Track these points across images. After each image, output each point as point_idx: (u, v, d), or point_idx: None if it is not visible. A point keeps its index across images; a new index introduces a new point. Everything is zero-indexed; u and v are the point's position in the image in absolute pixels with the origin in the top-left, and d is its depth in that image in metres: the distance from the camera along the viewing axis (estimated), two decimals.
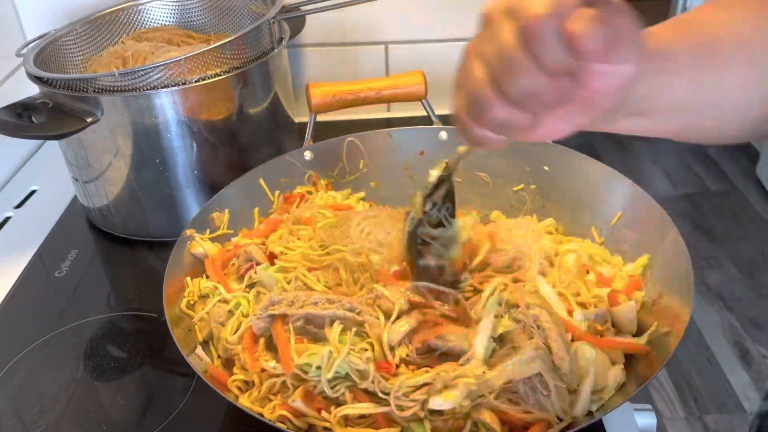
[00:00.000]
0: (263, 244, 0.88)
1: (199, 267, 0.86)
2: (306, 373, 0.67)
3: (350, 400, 0.65)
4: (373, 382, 0.65)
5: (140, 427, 0.76)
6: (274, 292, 0.75)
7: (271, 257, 0.83)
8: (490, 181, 1.03)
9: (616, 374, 0.69)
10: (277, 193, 0.99)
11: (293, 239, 0.86)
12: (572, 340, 0.71)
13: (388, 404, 0.65)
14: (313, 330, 0.71)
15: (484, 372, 0.64)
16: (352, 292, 0.76)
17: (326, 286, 0.78)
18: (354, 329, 0.70)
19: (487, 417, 0.63)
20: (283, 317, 0.71)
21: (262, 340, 0.72)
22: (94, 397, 0.81)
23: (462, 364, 0.66)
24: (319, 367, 0.66)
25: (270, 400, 0.68)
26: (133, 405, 0.79)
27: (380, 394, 0.65)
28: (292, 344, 0.68)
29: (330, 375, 0.65)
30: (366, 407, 0.65)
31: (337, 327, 0.69)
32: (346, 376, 0.67)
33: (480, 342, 0.67)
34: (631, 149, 3.42)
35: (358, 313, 0.70)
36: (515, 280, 0.76)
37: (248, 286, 0.81)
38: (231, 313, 0.78)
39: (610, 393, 0.68)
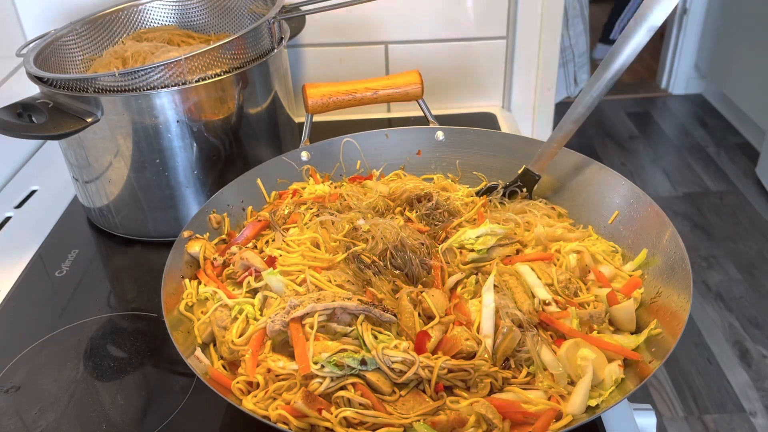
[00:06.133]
0: (255, 247, 0.88)
1: (197, 268, 0.86)
2: (322, 368, 0.67)
3: (353, 395, 0.66)
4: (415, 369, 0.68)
5: (140, 427, 0.76)
6: (290, 296, 0.75)
7: (270, 261, 0.83)
8: (486, 180, 1.03)
9: (613, 371, 0.69)
10: (273, 193, 0.99)
11: (287, 242, 0.86)
12: (563, 337, 0.73)
13: (391, 405, 0.66)
14: (335, 328, 0.71)
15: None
16: (381, 290, 0.79)
17: (338, 285, 0.78)
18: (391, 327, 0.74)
19: (489, 412, 0.64)
20: (301, 318, 0.71)
21: (268, 343, 0.73)
22: (94, 397, 0.81)
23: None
24: (335, 365, 0.67)
25: (274, 399, 0.68)
26: (133, 405, 0.80)
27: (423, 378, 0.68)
28: (311, 343, 0.69)
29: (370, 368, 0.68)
30: (368, 414, 0.65)
31: (367, 324, 0.71)
32: (353, 372, 0.67)
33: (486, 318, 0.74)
34: (631, 149, 3.42)
35: (394, 315, 0.74)
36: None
37: (248, 291, 0.81)
38: (235, 318, 0.78)
39: (609, 389, 0.69)
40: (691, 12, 3.69)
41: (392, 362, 0.68)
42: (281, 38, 1.13)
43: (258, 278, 0.81)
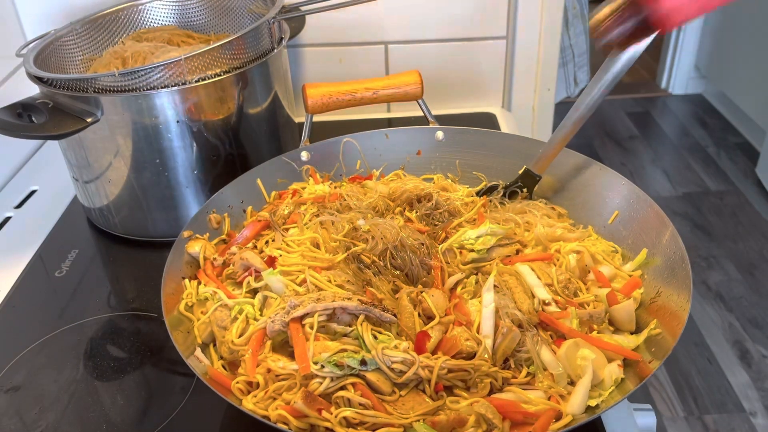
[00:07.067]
0: (255, 247, 0.88)
1: (197, 268, 0.86)
2: (322, 368, 0.67)
3: (353, 395, 0.66)
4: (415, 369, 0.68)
5: (140, 427, 0.76)
6: (290, 296, 0.75)
7: (270, 261, 0.83)
8: (486, 180, 1.03)
9: (613, 371, 0.69)
10: (273, 193, 0.99)
11: (287, 242, 0.86)
12: (563, 337, 0.73)
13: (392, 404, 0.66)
14: (335, 328, 0.71)
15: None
16: (381, 290, 0.79)
17: (338, 285, 0.78)
18: (392, 327, 0.73)
19: (489, 412, 0.64)
20: (301, 318, 0.71)
21: (268, 343, 0.73)
22: (94, 397, 0.81)
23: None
24: (335, 365, 0.67)
25: (274, 399, 0.68)
26: (133, 405, 0.80)
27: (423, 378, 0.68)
28: (311, 343, 0.69)
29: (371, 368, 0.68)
30: (368, 414, 0.65)
31: (367, 324, 0.71)
32: (353, 372, 0.67)
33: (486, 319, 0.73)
34: (631, 149, 3.42)
35: (394, 315, 0.73)
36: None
37: (248, 291, 0.81)
38: (235, 318, 0.78)
39: (609, 389, 0.69)
40: None
41: (392, 362, 0.68)
42: (281, 38, 1.13)
43: (258, 278, 0.81)
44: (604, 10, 0.53)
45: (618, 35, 0.53)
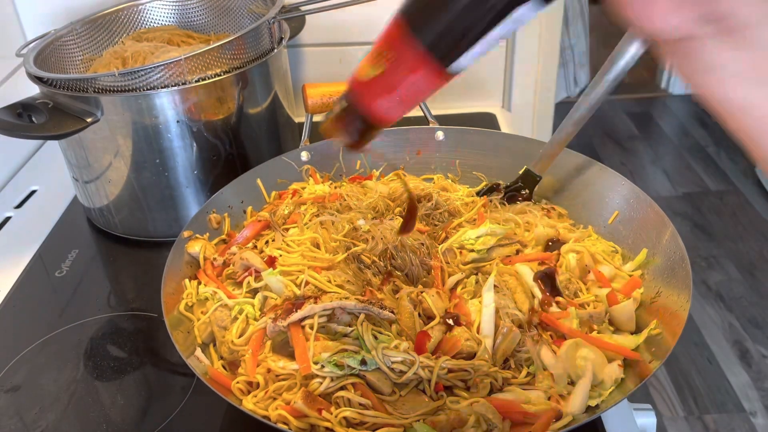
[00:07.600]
0: (255, 247, 0.88)
1: (197, 268, 0.86)
2: (323, 368, 0.67)
3: (353, 395, 0.66)
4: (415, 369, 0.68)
5: (140, 427, 0.76)
6: (288, 297, 0.75)
7: (270, 261, 0.83)
8: (486, 180, 1.03)
9: (613, 371, 0.69)
10: (273, 193, 0.99)
11: (287, 242, 0.86)
12: (563, 337, 0.73)
13: (390, 405, 0.66)
14: (335, 328, 0.71)
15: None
16: (381, 289, 0.79)
17: (338, 285, 0.78)
18: (392, 326, 0.74)
19: (489, 412, 0.64)
20: (300, 320, 0.71)
21: (268, 343, 0.73)
22: (94, 397, 0.81)
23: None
24: (335, 365, 0.67)
25: (274, 399, 0.68)
26: (133, 405, 0.80)
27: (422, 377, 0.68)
28: (312, 343, 0.69)
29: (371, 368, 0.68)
30: (368, 414, 0.65)
31: (368, 325, 0.71)
32: (353, 372, 0.67)
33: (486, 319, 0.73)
34: (631, 149, 3.42)
35: (393, 312, 0.73)
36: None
37: (248, 291, 0.81)
38: (235, 318, 0.78)
39: (609, 389, 0.69)
40: None
41: (392, 362, 0.68)
42: (281, 38, 1.13)
43: (258, 278, 0.81)
44: (328, 121, 0.59)
45: (350, 138, 0.59)
